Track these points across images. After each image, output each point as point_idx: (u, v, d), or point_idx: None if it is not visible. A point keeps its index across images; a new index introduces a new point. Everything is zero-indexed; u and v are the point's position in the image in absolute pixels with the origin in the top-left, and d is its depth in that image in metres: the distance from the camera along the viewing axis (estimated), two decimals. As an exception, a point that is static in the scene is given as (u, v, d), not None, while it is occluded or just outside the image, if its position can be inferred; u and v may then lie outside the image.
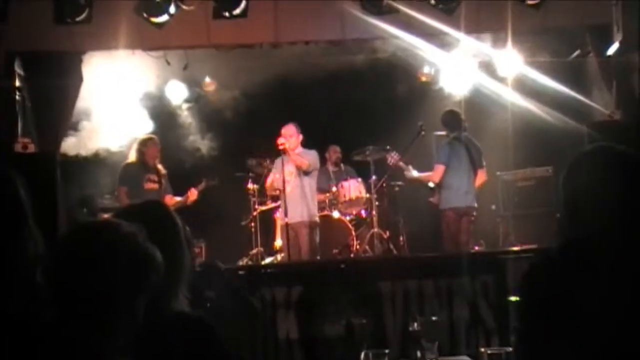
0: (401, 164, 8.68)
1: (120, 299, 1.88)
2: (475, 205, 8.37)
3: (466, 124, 8.48)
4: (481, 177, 8.56)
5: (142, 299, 1.92)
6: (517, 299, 2.44)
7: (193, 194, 8.49)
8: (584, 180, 2.35)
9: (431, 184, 8.48)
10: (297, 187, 8.43)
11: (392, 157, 8.76)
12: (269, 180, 8.86)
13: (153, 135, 8.55)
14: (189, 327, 2.28)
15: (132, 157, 8.28)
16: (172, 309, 2.32)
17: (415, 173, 8.64)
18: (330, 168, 10.13)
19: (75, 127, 8.52)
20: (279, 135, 8.48)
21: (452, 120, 8.48)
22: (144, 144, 8.29)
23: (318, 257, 8.50)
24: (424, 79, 10.22)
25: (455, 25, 7.68)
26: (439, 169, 8.30)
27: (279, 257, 8.97)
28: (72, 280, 1.85)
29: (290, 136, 8.44)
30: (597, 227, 2.28)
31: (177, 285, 2.39)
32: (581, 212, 2.33)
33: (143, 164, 8.23)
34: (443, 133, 8.68)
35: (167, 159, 8.59)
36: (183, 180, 8.71)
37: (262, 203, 9.54)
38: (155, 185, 8.25)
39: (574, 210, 2.37)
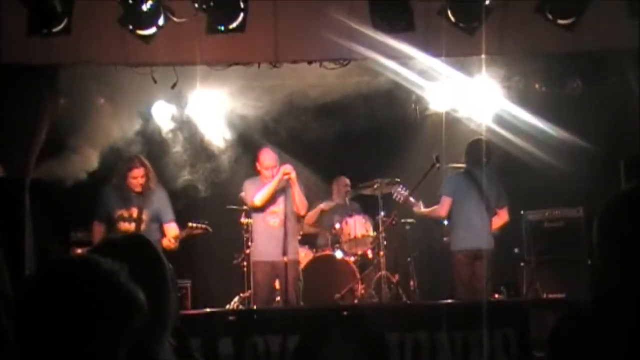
0: (411, 199, 8.68)
1: (99, 347, 1.86)
2: (491, 247, 8.32)
3: (486, 159, 8.45)
4: (502, 217, 8.54)
5: (123, 347, 1.91)
6: (543, 355, 2.43)
7: (170, 243, 8.09)
8: (621, 224, 2.34)
9: (446, 222, 8.48)
10: (292, 221, 8.44)
11: (400, 193, 8.78)
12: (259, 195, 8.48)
13: (137, 155, 8.42)
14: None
15: (112, 183, 8.17)
16: (157, 357, 2.30)
17: (421, 208, 8.64)
18: (336, 201, 10.12)
19: (51, 149, 8.53)
20: (256, 159, 8.46)
21: (473, 151, 8.49)
22: (123, 166, 8.14)
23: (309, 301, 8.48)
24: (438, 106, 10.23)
25: (477, 47, 7.71)
26: (445, 201, 8.33)
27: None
28: (42, 324, 1.84)
29: (274, 166, 8.40)
30: (635, 278, 2.27)
31: (162, 331, 2.37)
32: (617, 260, 2.32)
33: (121, 194, 8.06)
34: (460, 165, 8.68)
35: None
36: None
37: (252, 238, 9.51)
38: (130, 226, 8.01)
39: (609, 258, 2.36)
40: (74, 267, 1.93)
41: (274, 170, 8.32)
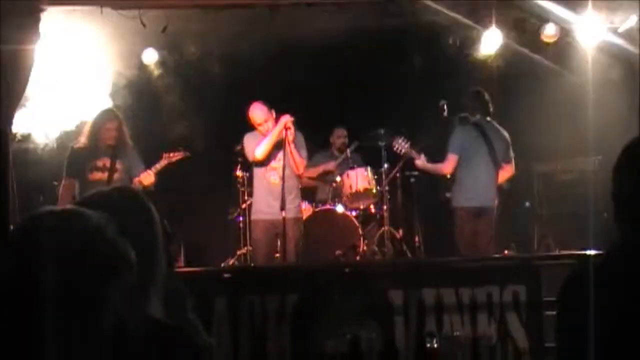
0: (413, 151, 8.63)
1: (86, 303, 1.87)
2: (495, 204, 8.32)
3: (491, 108, 8.43)
4: (507, 172, 8.52)
5: (112, 304, 1.92)
6: (555, 313, 2.43)
7: (147, 176, 8.17)
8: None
9: (449, 176, 8.46)
10: (293, 177, 8.38)
11: (400, 144, 8.74)
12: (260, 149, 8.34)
13: (111, 108, 8.42)
14: (164, 339, 2.28)
15: (82, 138, 8.16)
16: (145, 316, 2.31)
17: (424, 162, 8.59)
18: (335, 154, 10.13)
19: (28, 100, 8.49)
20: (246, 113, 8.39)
21: (474, 101, 8.44)
22: (97, 120, 8.13)
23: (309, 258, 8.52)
24: (446, 49, 10.15)
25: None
26: (451, 159, 8.27)
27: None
28: (26, 278, 1.84)
29: (268, 119, 8.32)
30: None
31: (151, 288, 2.38)
32: (635, 211, 2.32)
33: (93, 147, 8.06)
34: (465, 115, 8.63)
35: (141, 141, 8.49)
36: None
37: (252, 194, 9.49)
38: (103, 175, 8.03)
39: (626, 209, 2.35)
40: (59, 219, 1.94)
41: (268, 123, 8.24)
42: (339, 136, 10.13)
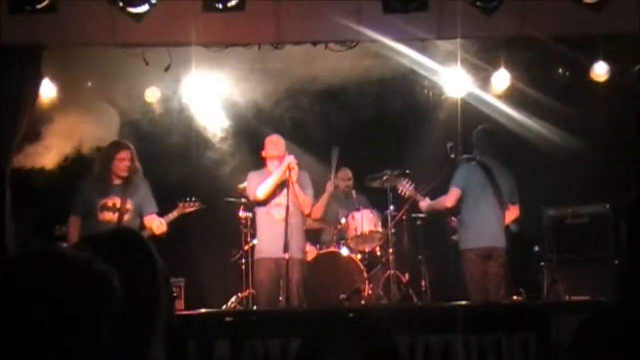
0: (417, 195, 8.63)
1: (69, 336, 1.85)
2: (504, 245, 8.29)
3: (495, 148, 8.43)
4: (513, 213, 8.51)
5: (99, 336, 1.89)
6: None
7: (160, 226, 8.09)
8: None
9: (453, 219, 8.44)
10: (297, 216, 8.38)
11: (405, 187, 8.74)
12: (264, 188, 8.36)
13: (121, 140, 8.40)
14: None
15: (93, 171, 8.13)
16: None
17: (428, 203, 8.58)
18: (339, 196, 10.12)
19: (33, 136, 8.53)
20: (263, 147, 8.44)
21: (482, 140, 8.45)
22: (108, 151, 8.08)
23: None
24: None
25: (496, 28, 7.70)
26: (453, 192, 8.28)
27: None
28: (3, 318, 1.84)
29: (281, 148, 8.36)
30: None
31: (151, 333, 2.37)
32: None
33: (104, 182, 8.01)
34: (471, 156, 8.62)
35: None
36: (160, 206, 8.57)
37: (255, 235, 9.49)
38: (113, 216, 7.97)
39: (638, 256, 2.35)
40: (35, 257, 1.93)
41: (278, 160, 8.28)
42: (343, 178, 10.10)
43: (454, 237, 8.51)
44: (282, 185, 8.24)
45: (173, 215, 8.31)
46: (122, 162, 7.99)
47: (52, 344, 1.83)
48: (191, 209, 8.47)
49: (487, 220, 8.22)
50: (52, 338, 1.83)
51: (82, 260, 1.93)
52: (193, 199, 8.54)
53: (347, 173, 10.17)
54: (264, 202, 8.33)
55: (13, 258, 1.95)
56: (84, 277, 1.90)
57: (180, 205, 8.40)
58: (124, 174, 8.00)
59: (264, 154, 8.48)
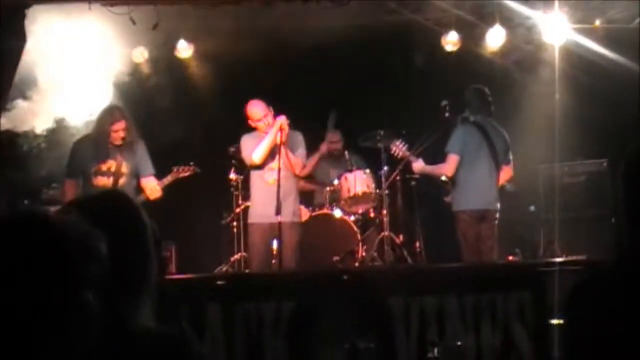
0: (411, 156, 8.61)
1: (55, 298, 1.85)
2: (497, 207, 8.30)
3: (493, 107, 8.42)
4: (506, 173, 8.50)
5: (89, 308, 1.90)
6: (561, 322, 2.42)
7: (155, 190, 8.12)
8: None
9: (444, 178, 8.43)
10: (289, 179, 8.34)
11: (398, 147, 8.71)
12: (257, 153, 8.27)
13: (116, 105, 8.32)
14: (156, 348, 2.27)
15: (88, 136, 8.09)
16: (137, 323, 2.30)
17: (423, 165, 8.56)
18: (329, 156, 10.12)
19: (16, 99, 8.48)
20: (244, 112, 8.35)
21: (476, 99, 8.42)
22: (103, 119, 8.00)
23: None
24: (448, 47, 10.16)
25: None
26: (452, 159, 8.25)
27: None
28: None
29: (267, 115, 8.28)
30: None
31: (141, 296, 2.37)
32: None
33: (99, 148, 7.99)
34: (466, 115, 8.59)
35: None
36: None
37: (246, 197, 9.48)
38: (108, 180, 7.97)
39: (635, 214, 2.35)
40: (19, 219, 1.93)
41: (268, 118, 8.21)
42: (332, 141, 10.07)
43: (447, 199, 8.51)
44: (275, 147, 8.18)
45: (167, 180, 8.30)
46: (117, 133, 7.97)
47: (35, 307, 1.83)
48: (186, 173, 8.46)
49: (481, 182, 8.22)
50: (35, 300, 1.83)
51: (68, 223, 1.93)
52: (189, 163, 8.53)
53: (335, 135, 10.14)
54: (259, 166, 8.29)
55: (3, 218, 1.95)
56: (69, 239, 1.90)
57: (175, 169, 8.40)
58: (119, 143, 7.99)
59: (250, 122, 8.31)
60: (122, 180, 8.01)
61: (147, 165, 8.18)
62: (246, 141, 8.36)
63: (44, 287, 1.84)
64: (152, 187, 8.09)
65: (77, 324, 1.88)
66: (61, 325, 1.86)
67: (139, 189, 8.12)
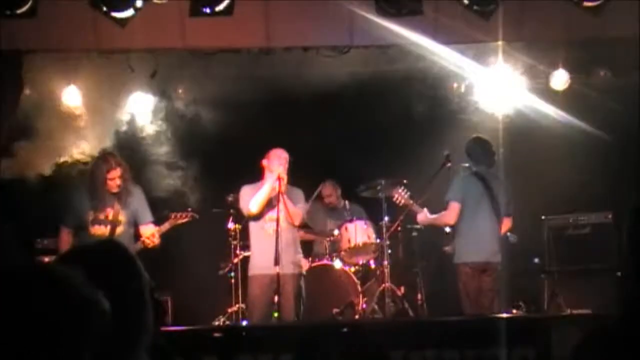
0: (414, 204, 8.61)
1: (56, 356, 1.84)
2: (499, 260, 8.27)
3: (495, 157, 8.45)
4: (506, 226, 8.50)
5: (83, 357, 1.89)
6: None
7: (152, 238, 8.12)
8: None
9: (448, 230, 8.42)
10: (290, 230, 8.33)
11: (400, 195, 8.72)
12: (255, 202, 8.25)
13: (111, 152, 8.35)
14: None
15: (84, 184, 8.11)
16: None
17: (427, 216, 8.54)
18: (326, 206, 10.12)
19: (12, 146, 8.50)
20: (263, 157, 8.36)
21: (478, 150, 8.43)
22: (99, 166, 8.04)
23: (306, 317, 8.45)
24: (450, 96, 10.21)
25: (493, 33, 7.71)
26: (454, 207, 8.24)
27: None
28: None
29: (285, 164, 8.29)
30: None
31: (136, 349, 2.36)
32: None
33: (95, 195, 8.00)
34: (468, 165, 8.60)
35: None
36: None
37: (245, 247, 9.47)
38: (105, 230, 7.99)
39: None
40: (17, 275, 1.92)
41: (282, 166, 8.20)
42: (326, 195, 10.12)
43: (447, 248, 8.49)
44: (274, 197, 8.18)
45: (165, 227, 8.29)
46: (113, 181, 7.99)
47: None
48: (184, 220, 8.42)
49: (483, 234, 8.21)
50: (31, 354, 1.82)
51: (72, 282, 1.92)
52: (187, 209, 8.52)
53: (328, 189, 10.16)
54: (257, 217, 8.28)
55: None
56: (74, 300, 1.89)
57: (173, 216, 8.37)
58: (116, 190, 8.00)
59: (265, 163, 8.32)
60: (119, 229, 8.01)
61: (146, 212, 8.20)
62: (245, 192, 8.37)
63: (42, 347, 1.83)
64: (151, 234, 8.08)
65: None
66: None
67: (137, 237, 8.12)
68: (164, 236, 8.31)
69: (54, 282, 1.90)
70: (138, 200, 8.17)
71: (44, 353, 1.83)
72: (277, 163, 8.23)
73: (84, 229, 7.95)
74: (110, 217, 8.00)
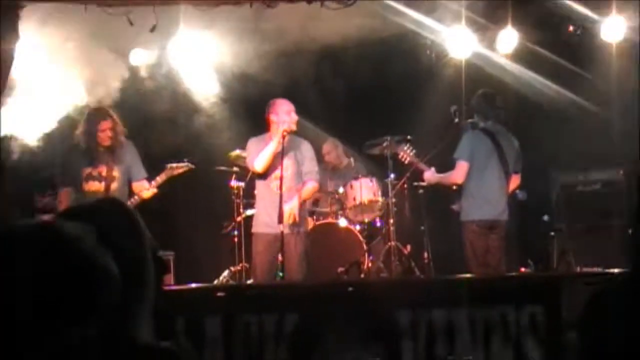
0: (421, 164, 8.60)
1: (64, 324, 1.86)
2: (506, 218, 8.28)
3: (502, 112, 8.41)
4: (514, 183, 8.48)
5: (94, 325, 1.90)
6: (576, 336, 2.43)
7: (148, 191, 8.13)
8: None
9: (455, 188, 8.42)
10: (292, 186, 8.31)
11: (405, 152, 8.69)
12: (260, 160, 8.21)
13: (102, 106, 8.35)
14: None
15: (76, 140, 8.14)
16: (134, 338, 2.30)
17: (434, 175, 8.53)
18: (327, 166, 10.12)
19: (7, 102, 8.48)
20: (266, 111, 8.30)
21: (485, 104, 8.39)
22: (89, 121, 8.07)
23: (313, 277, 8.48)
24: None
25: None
26: (462, 166, 8.22)
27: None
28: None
29: (291, 115, 8.20)
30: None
31: (139, 309, 2.37)
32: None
33: (88, 152, 8.06)
34: (475, 121, 8.56)
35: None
36: (150, 175, 8.52)
37: (248, 206, 9.49)
38: (100, 185, 8.03)
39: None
40: (31, 234, 1.92)
41: (292, 115, 8.16)
42: (326, 152, 10.11)
43: (455, 207, 8.49)
44: (282, 155, 8.11)
45: (162, 178, 8.27)
46: (104, 133, 8.02)
47: (36, 334, 1.83)
48: (180, 170, 8.38)
49: (491, 192, 8.20)
50: (38, 327, 1.83)
51: (84, 244, 1.92)
52: (183, 159, 8.46)
53: (327, 146, 10.16)
54: (263, 175, 8.25)
55: (7, 231, 1.93)
56: (84, 263, 1.89)
57: (169, 167, 8.33)
58: (107, 143, 8.02)
59: (273, 118, 8.23)
60: (114, 185, 8.04)
61: (139, 168, 8.22)
62: (252, 145, 8.33)
63: (51, 313, 1.83)
64: (145, 188, 8.11)
65: (78, 340, 1.88)
66: (62, 339, 1.86)
67: (131, 193, 8.14)
68: (168, 195, 8.33)
69: (65, 242, 1.90)
70: (131, 156, 8.20)
71: (48, 319, 1.84)
72: (287, 117, 8.17)
73: (78, 185, 7.99)
74: (105, 173, 8.05)
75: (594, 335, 2.33)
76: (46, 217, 2.39)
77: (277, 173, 8.14)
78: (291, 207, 8.07)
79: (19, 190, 8.81)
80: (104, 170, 8.05)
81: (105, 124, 8.03)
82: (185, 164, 8.41)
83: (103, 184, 8.02)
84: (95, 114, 8.13)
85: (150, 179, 8.26)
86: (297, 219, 8.15)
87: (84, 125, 8.10)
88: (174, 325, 6.14)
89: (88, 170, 8.02)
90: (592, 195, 9.50)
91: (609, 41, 9.11)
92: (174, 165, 8.35)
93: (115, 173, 8.09)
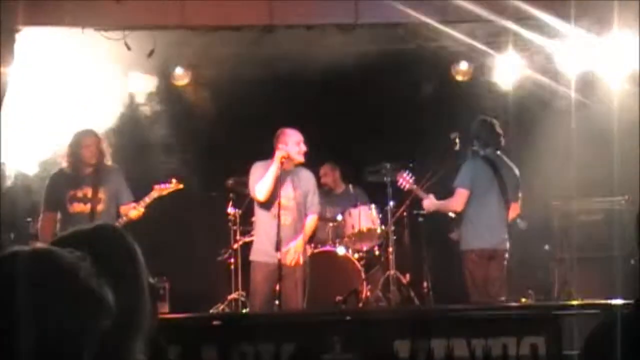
0: (420, 192, 8.59)
1: (60, 353, 1.85)
2: (507, 247, 8.27)
3: (502, 139, 8.42)
4: (514, 211, 8.47)
5: (87, 353, 1.90)
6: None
7: (135, 210, 8.03)
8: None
9: (453, 215, 8.41)
10: (296, 217, 8.26)
11: (405, 179, 8.69)
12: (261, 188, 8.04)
13: (87, 128, 8.29)
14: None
15: (62, 164, 8.11)
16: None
17: (433, 202, 8.51)
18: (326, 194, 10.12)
19: (2, 127, 8.50)
20: (277, 141, 8.25)
21: (484, 132, 8.40)
22: (74, 141, 8.04)
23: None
24: (459, 77, 10.22)
25: (502, 10, 7.70)
26: (461, 194, 8.21)
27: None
28: None
29: (298, 144, 8.15)
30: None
31: (133, 339, 2.36)
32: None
33: (73, 173, 8.02)
34: (476, 149, 8.57)
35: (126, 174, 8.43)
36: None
37: (245, 233, 9.49)
38: (85, 207, 7.97)
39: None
40: (27, 260, 1.92)
41: (300, 146, 8.08)
42: (322, 174, 10.10)
43: (453, 235, 8.48)
44: (282, 182, 8.03)
45: (150, 197, 8.19)
46: (88, 149, 8.00)
47: (38, 354, 1.82)
48: (168, 190, 8.31)
49: (491, 220, 8.19)
50: (39, 347, 1.82)
51: (80, 273, 1.91)
52: (170, 180, 8.38)
53: (324, 168, 10.17)
54: (265, 202, 8.13)
55: (2, 257, 1.93)
56: (81, 293, 1.89)
57: (157, 187, 8.27)
58: (92, 161, 8.01)
59: (281, 147, 8.05)
60: (100, 207, 8.01)
61: (126, 192, 8.19)
62: (256, 170, 8.16)
63: (46, 342, 1.83)
64: (132, 211, 8.10)
65: None
66: None
67: (118, 215, 8.13)
68: (162, 222, 8.30)
69: (61, 270, 1.90)
70: (118, 179, 8.17)
71: (42, 349, 1.83)
72: (293, 146, 8.07)
73: (63, 208, 7.97)
74: (90, 194, 8.01)
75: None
76: (38, 244, 2.38)
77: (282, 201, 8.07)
78: (296, 247, 8.02)
79: (12, 216, 8.80)
80: (89, 192, 8.03)
81: (89, 139, 8.01)
82: (173, 184, 8.37)
83: (89, 205, 7.99)
84: (79, 134, 8.11)
85: (138, 202, 8.24)
86: (301, 260, 8.11)
87: (68, 147, 8.10)
88: (168, 354, 6.12)
89: (72, 192, 8.00)
90: (594, 224, 9.50)
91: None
92: (161, 185, 8.33)
93: (101, 195, 8.05)
